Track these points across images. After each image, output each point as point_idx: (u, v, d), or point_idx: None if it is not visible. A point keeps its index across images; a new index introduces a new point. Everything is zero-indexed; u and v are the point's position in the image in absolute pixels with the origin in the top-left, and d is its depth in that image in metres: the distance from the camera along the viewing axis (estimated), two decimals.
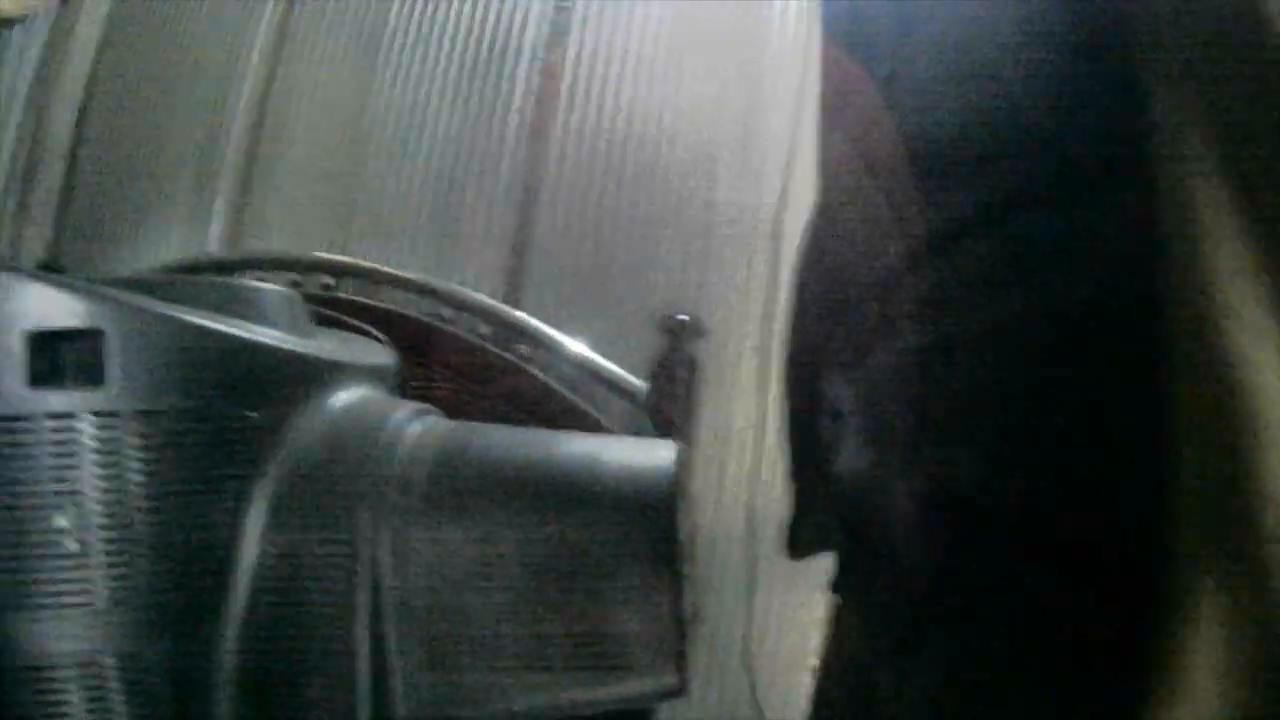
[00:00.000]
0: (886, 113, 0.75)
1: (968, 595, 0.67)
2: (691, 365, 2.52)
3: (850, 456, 0.76)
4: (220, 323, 1.21)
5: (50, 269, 3.26)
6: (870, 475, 0.73)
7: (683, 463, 1.27)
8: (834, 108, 0.86)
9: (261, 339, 1.32)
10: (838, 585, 0.89)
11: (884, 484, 0.71)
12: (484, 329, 2.60)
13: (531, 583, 1.17)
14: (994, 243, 0.67)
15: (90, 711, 1.06)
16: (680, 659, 1.23)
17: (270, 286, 1.43)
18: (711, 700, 2.64)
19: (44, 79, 4.03)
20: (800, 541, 0.99)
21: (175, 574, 1.09)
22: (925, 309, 0.70)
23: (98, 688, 1.08)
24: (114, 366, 0.99)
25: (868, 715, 0.75)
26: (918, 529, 0.69)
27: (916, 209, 0.71)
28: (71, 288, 1.03)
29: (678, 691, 1.26)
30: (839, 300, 0.80)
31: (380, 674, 1.16)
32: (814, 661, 0.98)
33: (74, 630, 1.04)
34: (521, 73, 3.06)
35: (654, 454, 1.29)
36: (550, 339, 2.67)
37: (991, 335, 0.66)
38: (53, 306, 1.00)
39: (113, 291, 1.07)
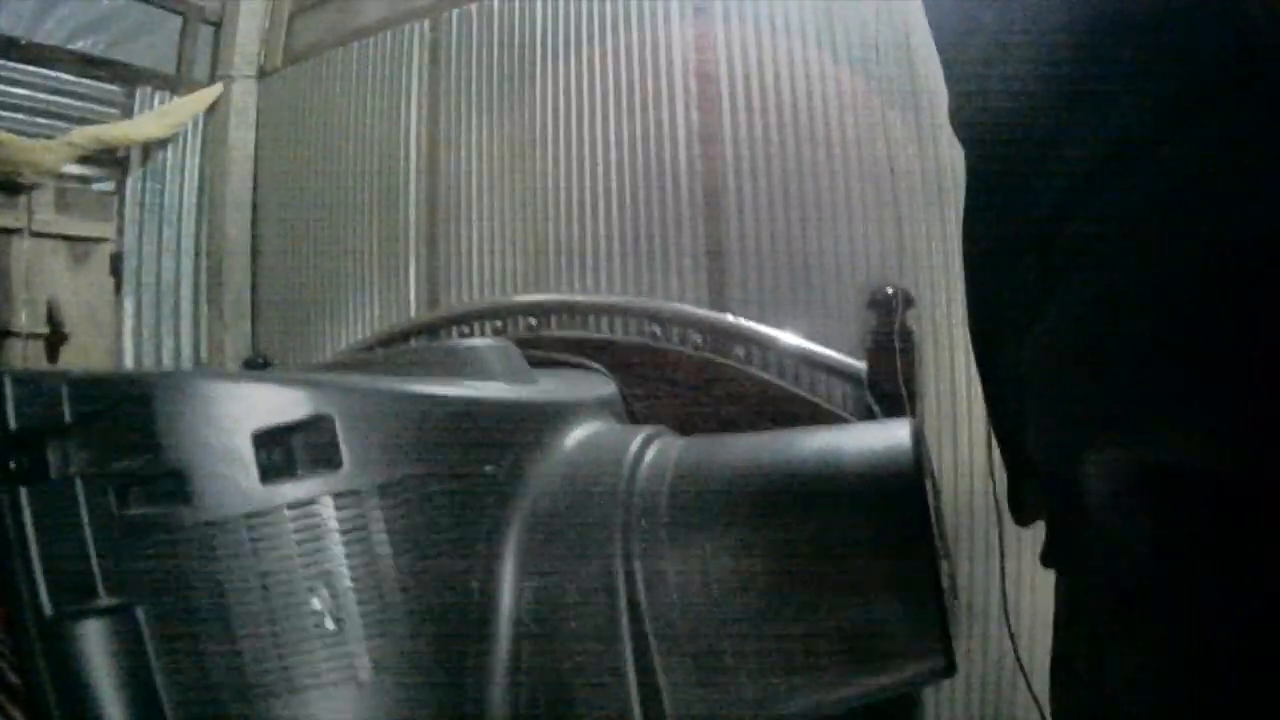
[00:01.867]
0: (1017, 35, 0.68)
1: (1183, 569, 0.58)
2: (906, 335, 2.48)
3: (1037, 428, 0.69)
4: (441, 386, 1.25)
5: (256, 365, 3.44)
6: (1057, 448, 0.66)
7: (921, 440, 1.24)
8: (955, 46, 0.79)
9: (484, 394, 1.35)
10: (1046, 558, 0.85)
11: (1072, 456, 0.63)
12: (696, 338, 2.61)
13: (788, 585, 1.15)
14: (1155, 166, 0.58)
15: None
16: (946, 639, 1.20)
17: (484, 341, 1.47)
18: (975, 665, 2.58)
19: (209, 189, 4.25)
20: (1024, 507, 0.93)
21: (435, 636, 1.12)
22: (1087, 254, 0.62)
23: None
24: (346, 447, 1.03)
25: (1100, 683, 0.70)
26: (1117, 502, 0.61)
27: (1066, 142, 0.64)
28: (290, 381, 1.08)
29: (947, 672, 1.22)
30: (1002, 259, 0.73)
31: (650, 696, 1.17)
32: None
33: (341, 705, 1.07)
34: (679, 82, 3.07)
35: (891, 436, 1.26)
36: (762, 335, 2.66)
37: (1169, 277, 0.57)
38: (276, 403, 1.04)
39: (332, 377, 1.12)
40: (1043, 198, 0.66)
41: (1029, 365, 0.69)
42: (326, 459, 0.99)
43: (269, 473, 0.99)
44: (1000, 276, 0.73)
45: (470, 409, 1.09)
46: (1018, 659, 2.32)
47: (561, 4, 3.33)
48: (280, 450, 1.00)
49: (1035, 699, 2.11)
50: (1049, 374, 0.66)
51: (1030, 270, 0.67)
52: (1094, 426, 0.61)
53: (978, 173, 0.78)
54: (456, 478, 1.10)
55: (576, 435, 1.32)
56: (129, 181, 4.09)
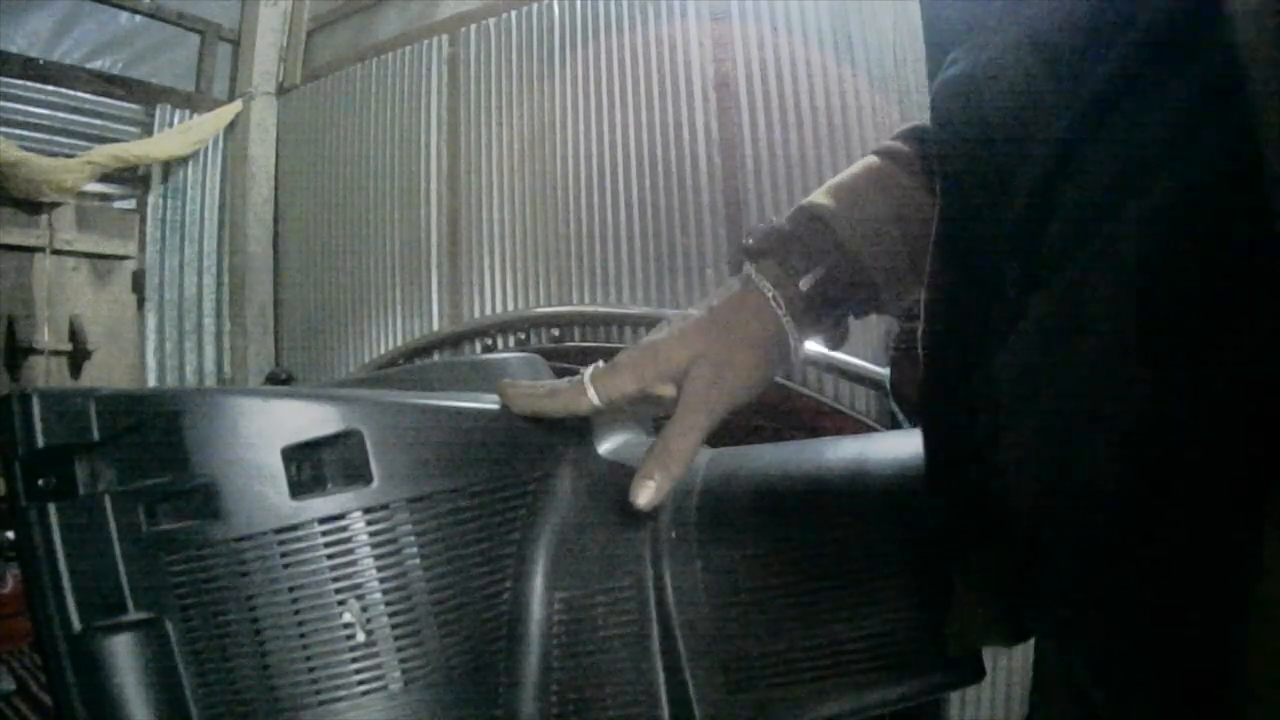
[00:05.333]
0: None
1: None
2: None
3: (1017, 439, 0.54)
4: (469, 400, 1.24)
5: (279, 380, 3.45)
6: (1042, 452, 0.52)
7: None
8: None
9: None
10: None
11: (1061, 457, 0.49)
12: None
13: (817, 592, 1.15)
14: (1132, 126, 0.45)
15: None
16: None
17: (511, 354, 1.47)
18: (1000, 666, 2.57)
19: (231, 205, 4.29)
20: (962, 624, 0.80)
21: (467, 646, 1.12)
22: (1078, 247, 0.49)
23: None
24: (376, 462, 1.03)
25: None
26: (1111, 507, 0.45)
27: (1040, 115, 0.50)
28: (319, 397, 1.08)
29: (975, 677, 1.22)
30: (981, 273, 0.58)
31: (680, 704, 1.16)
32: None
33: (372, 715, 1.07)
34: (698, 92, 3.07)
35: (917, 444, 1.26)
36: None
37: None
38: (305, 418, 1.04)
39: (361, 392, 1.12)
40: (1020, 188, 0.53)
41: (1009, 374, 0.56)
42: (357, 474, 0.99)
43: (299, 488, 0.98)
44: (982, 294, 0.59)
45: (499, 422, 1.09)
46: None
47: (579, 16, 3.35)
48: (310, 465, 1.00)
49: None
50: (1034, 372, 0.53)
51: (1013, 278, 0.55)
52: (1093, 410, 0.48)
53: (948, 172, 0.62)
54: (487, 490, 1.10)
55: (605, 446, 1.31)
56: (150, 199, 4.13)
